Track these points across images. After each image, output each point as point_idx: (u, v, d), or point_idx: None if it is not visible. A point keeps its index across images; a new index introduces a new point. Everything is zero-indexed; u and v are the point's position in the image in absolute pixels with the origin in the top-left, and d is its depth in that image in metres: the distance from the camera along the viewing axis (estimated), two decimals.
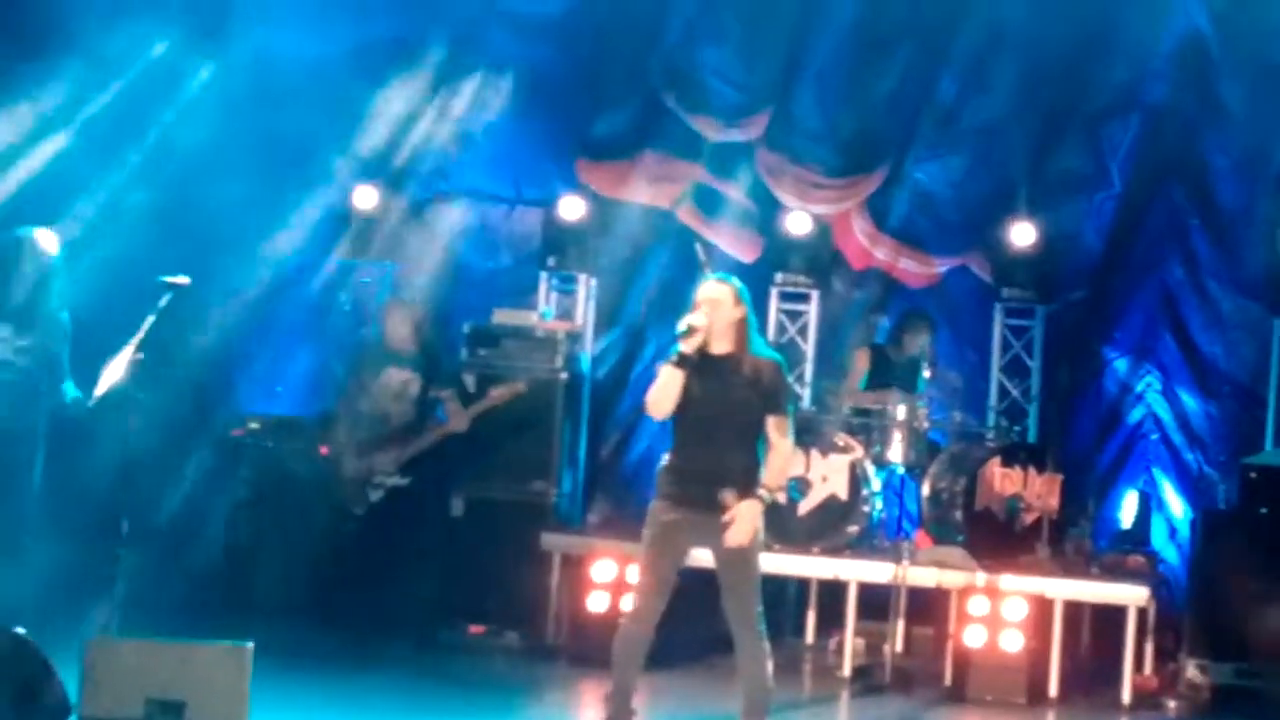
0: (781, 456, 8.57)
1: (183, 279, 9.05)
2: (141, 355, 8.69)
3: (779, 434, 8.53)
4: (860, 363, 13.14)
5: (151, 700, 7.94)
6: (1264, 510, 11.75)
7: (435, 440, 12.37)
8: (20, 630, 8.35)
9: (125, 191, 12.96)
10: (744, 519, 8.40)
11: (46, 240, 10.71)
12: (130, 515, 8.73)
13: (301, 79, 13.60)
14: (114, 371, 8.65)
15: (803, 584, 12.74)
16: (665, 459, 8.73)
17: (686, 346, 8.46)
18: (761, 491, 8.48)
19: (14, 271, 10.62)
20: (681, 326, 8.47)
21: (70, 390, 10.51)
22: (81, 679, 8.08)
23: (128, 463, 9.04)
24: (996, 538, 12.07)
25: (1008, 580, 11.50)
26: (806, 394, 13.76)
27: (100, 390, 8.65)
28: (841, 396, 12.77)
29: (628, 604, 9.36)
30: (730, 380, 8.50)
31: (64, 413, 10.56)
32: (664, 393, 8.49)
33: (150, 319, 8.82)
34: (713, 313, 8.54)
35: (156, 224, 12.61)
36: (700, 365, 8.48)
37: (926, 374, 12.41)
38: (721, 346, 8.55)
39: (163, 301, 8.91)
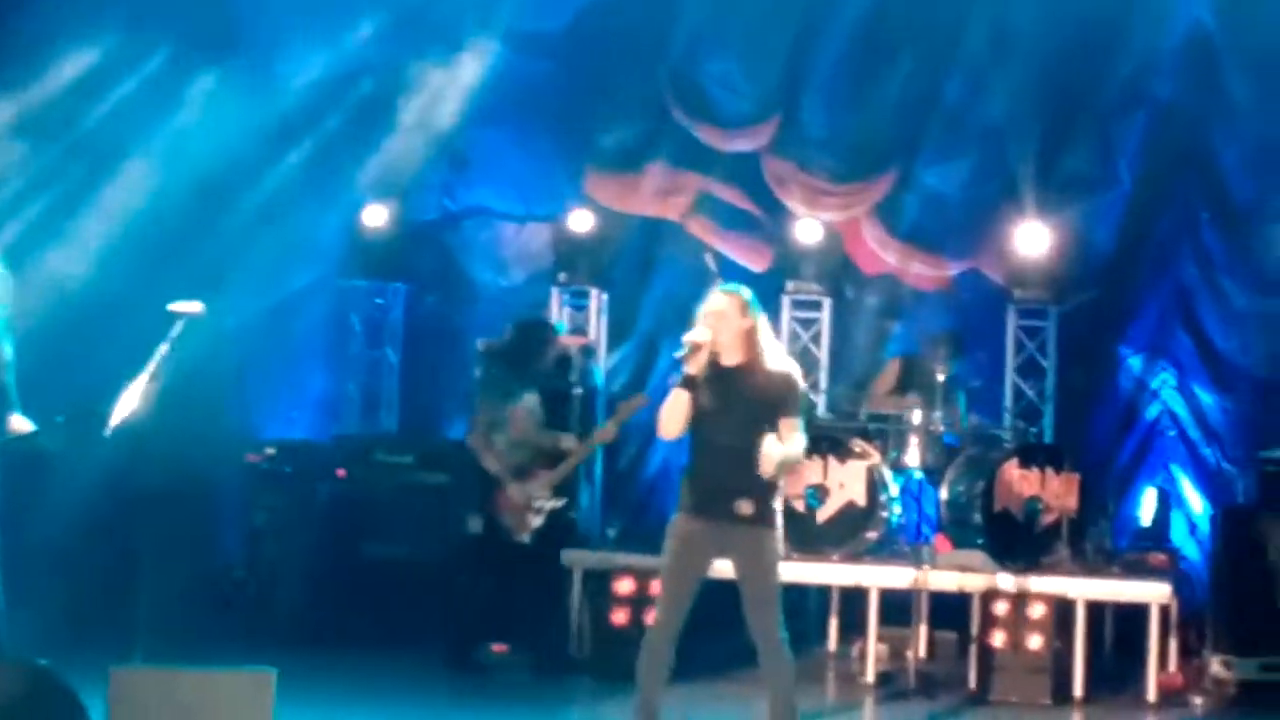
0: (792, 442, 8.42)
1: (195, 306, 8.99)
2: (156, 384, 8.65)
3: (789, 430, 8.42)
4: (890, 371, 13.07)
5: None
6: None
7: (583, 457, 12.05)
8: (43, 661, 8.34)
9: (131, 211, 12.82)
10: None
11: None
12: (149, 544, 8.70)
13: (303, 96, 13.61)
14: (129, 401, 8.59)
15: (824, 591, 12.73)
16: (685, 472, 8.71)
17: (690, 366, 8.41)
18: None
19: None
20: (683, 346, 8.43)
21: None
22: (106, 710, 8.06)
23: (145, 492, 9.00)
24: (1016, 539, 12.06)
25: (1029, 582, 11.50)
26: (821, 401, 13.74)
27: (115, 420, 8.58)
28: (864, 402, 12.76)
29: (650, 618, 9.33)
30: (742, 392, 8.45)
31: (16, 446, 9.35)
32: (671, 414, 8.45)
33: (163, 347, 8.77)
34: (717, 325, 8.48)
35: (164, 247, 12.55)
36: (712, 378, 8.44)
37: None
38: (732, 358, 8.51)
39: (176, 330, 8.85)
